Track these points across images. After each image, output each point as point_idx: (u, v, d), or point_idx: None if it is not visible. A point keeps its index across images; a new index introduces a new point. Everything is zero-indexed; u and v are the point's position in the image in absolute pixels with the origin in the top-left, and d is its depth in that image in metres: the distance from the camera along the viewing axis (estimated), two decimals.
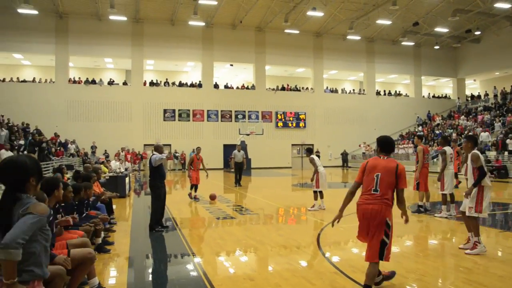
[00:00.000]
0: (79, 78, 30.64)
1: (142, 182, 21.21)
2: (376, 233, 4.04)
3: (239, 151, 17.76)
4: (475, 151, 5.96)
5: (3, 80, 28.87)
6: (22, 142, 20.22)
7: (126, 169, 20.14)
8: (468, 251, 5.81)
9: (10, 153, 14.99)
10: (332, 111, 35.34)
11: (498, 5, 26.51)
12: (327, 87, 36.70)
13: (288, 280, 4.84)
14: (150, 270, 5.73)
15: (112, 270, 5.57)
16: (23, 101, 27.74)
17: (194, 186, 13.05)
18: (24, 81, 29.48)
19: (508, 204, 11.94)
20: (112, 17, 28.51)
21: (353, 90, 38.60)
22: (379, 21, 30.58)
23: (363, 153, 33.78)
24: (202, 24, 30.76)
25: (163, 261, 6.29)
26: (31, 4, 25.43)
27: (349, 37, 34.19)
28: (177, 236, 7.77)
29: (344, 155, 34.08)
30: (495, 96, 34.37)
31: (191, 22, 29.86)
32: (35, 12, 26.54)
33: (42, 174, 2.75)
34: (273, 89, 34.82)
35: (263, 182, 21.77)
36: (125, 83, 31.72)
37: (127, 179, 14.30)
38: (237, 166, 17.62)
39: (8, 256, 2.34)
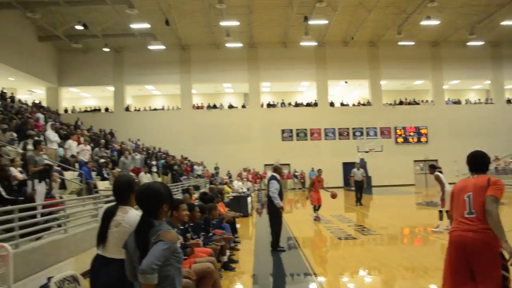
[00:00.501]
0: (202, 103, 34.79)
1: (263, 202, 23.25)
2: (489, 271, 3.32)
3: (358, 169, 18.54)
4: None
5: (138, 110, 34.11)
6: (154, 162, 22.98)
7: (248, 189, 21.46)
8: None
9: (148, 176, 17.26)
10: (456, 124, 34.99)
11: None
12: (448, 99, 36.50)
13: None
14: None
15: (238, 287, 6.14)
16: (154, 127, 32.32)
17: (317, 207, 13.64)
18: (154, 109, 34.46)
19: None
20: (228, 45, 32.24)
21: (479, 99, 37.83)
22: (505, 22, 29.96)
23: (495, 167, 32.95)
24: (314, 43, 32.90)
25: (286, 280, 6.75)
26: (159, 41, 30.06)
27: (470, 43, 33.86)
28: (298, 255, 8.26)
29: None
30: None
31: (303, 43, 32.21)
32: (163, 47, 31.24)
33: (173, 200, 3.02)
34: (390, 104, 35.71)
35: (384, 200, 22.17)
36: (243, 106, 35.09)
37: (249, 199, 15.70)
38: (357, 185, 18.25)
39: (146, 280, 2.65)
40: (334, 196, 12.95)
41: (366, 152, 30.81)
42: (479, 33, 32.15)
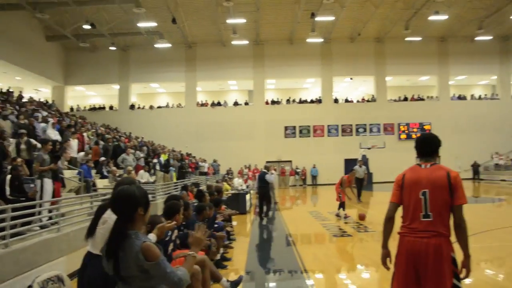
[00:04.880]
0: (206, 101, 35.30)
1: None
2: (439, 281, 3.09)
3: (360, 166, 18.55)
4: None
5: (143, 108, 34.73)
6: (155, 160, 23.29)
7: (247, 186, 21.58)
8: None
9: (147, 174, 17.00)
10: (460, 120, 35.09)
11: None
12: (454, 94, 36.63)
13: None
14: (263, 287, 6.39)
15: None
16: (158, 125, 32.99)
17: (341, 204, 13.41)
18: (159, 107, 35.07)
19: None
20: (234, 42, 32.69)
21: (485, 95, 37.82)
22: None
23: (496, 164, 33.13)
24: (320, 40, 33.32)
25: (276, 278, 6.82)
26: (165, 39, 30.62)
27: (478, 38, 33.92)
28: (292, 253, 8.39)
29: (475, 167, 33.62)
30: None
31: (309, 40, 32.66)
32: (169, 45, 31.83)
33: (149, 203, 2.85)
34: (395, 100, 35.96)
35: (385, 197, 22.24)
36: (247, 103, 35.56)
37: (247, 196, 15.90)
38: (358, 182, 18.19)
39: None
40: (362, 217, 12.53)
41: (369, 148, 31.08)
42: (488, 27, 32.19)
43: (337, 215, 13.39)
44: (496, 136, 34.47)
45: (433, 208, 3.18)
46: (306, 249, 8.74)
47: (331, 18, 29.13)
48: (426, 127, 34.92)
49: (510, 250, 8.16)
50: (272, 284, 6.50)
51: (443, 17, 29.28)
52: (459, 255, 3.19)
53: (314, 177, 33.94)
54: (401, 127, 34.95)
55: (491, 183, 30.29)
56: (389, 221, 3.46)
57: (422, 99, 36.34)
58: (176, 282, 2.65)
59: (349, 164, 32.95)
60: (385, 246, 3.55)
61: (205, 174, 28.23)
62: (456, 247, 3.22)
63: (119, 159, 16.58)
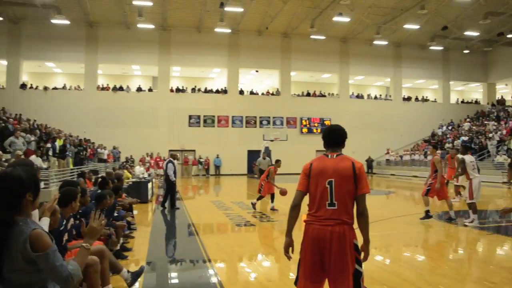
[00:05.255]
0: (107, 84, 33.50)
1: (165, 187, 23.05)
2: (343, 266, 3.17)
3: (264, 158, 18.61)
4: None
5: (36, 88, 31.93)
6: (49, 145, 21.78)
7: (149, 175, 21.03)
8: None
9: (39, 159, 16.33)
10: (357, 117, 37.31)
11: None
12: (352, 93, 38.78)
13: None
14: (165, 277, 6.18)
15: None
16: (53, 107, 30.53)
17: (260, 197, 13.06)
18: (55, 88, 32.48)
19: None
20: (140, 25, 31.28)
21: (380, 95, 40.57)
22: (407, 26, 32.36)
23: (387, 160, 35.88)
24: (229, 31, 33.16)
25: (179, 268, 6.72)
26: (63, 15, 28.38)
27: (376, 42, 36.15)
28: (195, 242, 8.27)
29: (369, 162, 36.05)
30: None
31: (217, 29, 32.34)
32: (67, 22, 29.51)
33: (39, 188, 2.59)
34: (298, 95, 37.17)
35: (287, 188, 22.95)
36: (151, 90, 34.44)
37: (149, 185, 15.48)
38: (262, 173, 18.95)
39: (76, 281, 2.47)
40: (284, 193, 12.21)
41: (272, 140, 31.84)
42: (384, 33, 34.59)
43: (253, 205, 12.80)
44: (389, 134, 37.22)
45: (338, 197, 3.24)
46: (209, 239, 8.67)
47: (240, 9, 29.20)
48: (326, 122, 36.51)
49: (396, 237, 8.85)
50: (174, 274, 6.39)
51: (346, 19, 30.79)
52: (360, 242, 3.34)
53: (217, 167, 33.99)
54: (303, 121, 36.20)
55: (382, 177, 32.67)
56: (294, 208, 3.45)
57: (324, 96, 37.96)
58: (64, 278, 2.38)
59: (252, 155, 33.66)
60: (288, 234, 3.53)
61: (105, 161, 27.06)
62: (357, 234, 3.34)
63: (6, 142, 15.54)
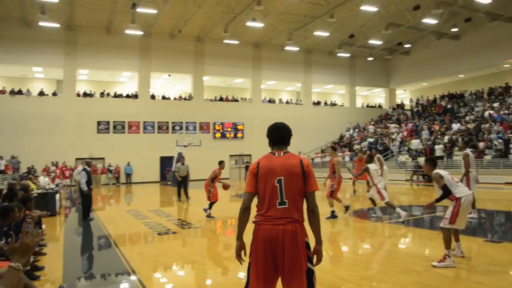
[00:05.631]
0: (4, 87, 30.58)
1: (73, 198, 21.40)
2: (296, 265, 3.13)
3: (183, 164, 18.16)
4: (437, 171, 6.45)
5: None
6: None
7: (57, 185, 19.85)
8: (435, 263, 6.07)
9: None
10: (269, 121, 35.76)
11: (426, 20, 30.54)
12: (265, 98, 39.41)
13: None
14: None
15: None
16: None
17: (212, 203, 12.46)
18: None
19: (435, 207, 14.32)
20: (42, 24, 28.85)
21: (291, 100, 41.79)
22: (317, 33, 33.53)
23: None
24: (140, 33, 31.96)
25: (102, 283, 6.25)
26: None
27: (287, 48, 37.01)
28: (115, 254, 7.84)
29: None
30: (421, 105, 39.06)
31: (128, 31, 30.98)
32: None
33: None
34: (211, 100, 36.93)
35: (202, 194, 22.55)
36: (55, 94, 32.15)
37: (57, 196, 14.52)
38: (182, 180, 17.89)
39: None
40: (227, 187, 12.40)
41: (185, 146, 31.24)
42: (296, 39, 35.50)
43: (208, 215, 12.12)
44: (300, 136, 38.01)
45: (288, 195, 3.21)
46: (130, 250, 8.22)
47: (153, 11, 28.27)
48: (239, 127, 36.77)
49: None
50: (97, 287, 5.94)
51: (259, 24, 31.15)
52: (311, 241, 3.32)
53: (128, 175, 32.57)
54: (216, 126, 35.99)
55: None
56: (245, 211, 3.37)
57: (237, 100, 38.12)
58: None
59: (165, 161, 32.85)
60: (239, 237, 3.43)
61: (2, 172, 24.81)
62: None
63: None
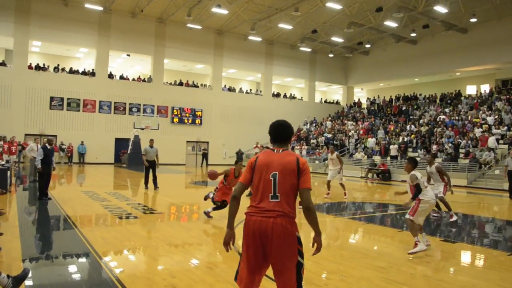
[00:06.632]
0: None
1: (22, 176, 20.77)
2: (285, 258, 3.22)
3: (151, 146, 15.75)
4: (414, 172, 7.06)
5: None
6: None
7: (7, 161, 18.41)
8: (411, 250, 6.76)
9: None
10: (229, 110, 37.88)
11: (387, 23, 31.44)
12: (225, 86, 39.15)
13: (205, 281, 5.13)
14: (53, 276, 5.36)
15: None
16: None
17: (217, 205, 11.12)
18: None
19: (388, 204, 14.42)
20: None
21: (250, 90, 41.79)
22: (281, 25, 33.53)
23: (256, 153, 37.02)
24: (100, 8, 30.78)
25: (66, 264, 5.99)
26: None
27: (250, 37, 36.87)
28: (76, 236, 7.52)
29: (239, 154, 36.76)
30: (378, 104, 40.20)
31: (87, 5, 29.78)
32: None
33: None
34: (171, 84, 36.28)
35: (166, 179, 21.52)
36: (4, 64, 30.47)
37: (8, 173, 13.73)
38: (151, 164, 15.62)
39: None
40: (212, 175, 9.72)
41: (142, 129, 30.73)
42: (259, 30, 35.47)
43: (207, 213, 9.76)
44: (258, 127, 38.22)
45: (281, 190, 3.28)
46: (92, 233, 7.87)
47: None
48: (198, 113, 36.40)
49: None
50: (62, 271, 5.61)
51: (224, 11, 30.78)
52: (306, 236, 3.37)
53: (81, 155, 31.49)
54: (174, 110, 35.45)
55: None
56: (233, 199, 3.45)
57: (197, 86, 37.68)
58: None
59: (120, 143, 32.09)
60: (230, 226, 3.46)
61: None
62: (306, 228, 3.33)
63: None
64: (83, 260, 6.20)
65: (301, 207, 3.29)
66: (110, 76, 33.50)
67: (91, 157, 31.59)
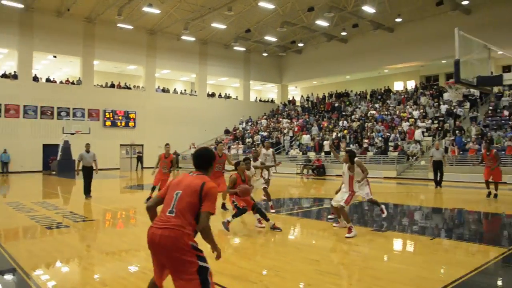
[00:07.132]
0: None
1: None
2: (177, 266, 3.34)
3: (88, 151, 14.42)
4: (357, 159, 8.28)
5: None
6: None
7: None
8: (347, 235, 7.60)
9: None
10: (163, 111, 37.15)
11: (318, 22, 32.24)
12: (158, 87, 38.41)
13: (139, 287, 5.03)
14: None
15: None
16: None
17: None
18: None
19: (324, 198, 14.51)
20: None
21: (185, 90, 41.30)
22: (214, 25, 33.34)
23: (192, 154, 36.68)
24: (20, 6, 28.94)
25: None
26: None
27: (183, 37, 36.39)
28: None
29: (176, 156, 36.16)
30: (311, 102, 41.16)
31: (5, 2, 27.84)
32: None
33: None
34: (102, 86, 35.00)
35: (93, 185, 21.20)
36: None
37: None
38: (87, 171, 14.42)
39: None
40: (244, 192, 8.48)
41: (72, 134, 29.39)
42: (192, 29, 35.16)
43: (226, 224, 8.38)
44: (193, 128, 38.02)
45: (178, 206, 3.48)
46: (16, 246, 7.40)
47: None
48: (131, 115, 35.44)
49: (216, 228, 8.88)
50: None
51: (155, 10, 30.22)
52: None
53: (4, 164, 29.54)
54: (106, 113, 34.27)
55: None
56: (147, 210, 3.80)
57: (129, 88, 36.65)
58: None
59: (49, 149, 30.57)
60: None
61: None
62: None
63: None
64: (8, 278, 5.72)
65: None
66: (35, 79, 31.70)
67: (16, 166, 29.77)
